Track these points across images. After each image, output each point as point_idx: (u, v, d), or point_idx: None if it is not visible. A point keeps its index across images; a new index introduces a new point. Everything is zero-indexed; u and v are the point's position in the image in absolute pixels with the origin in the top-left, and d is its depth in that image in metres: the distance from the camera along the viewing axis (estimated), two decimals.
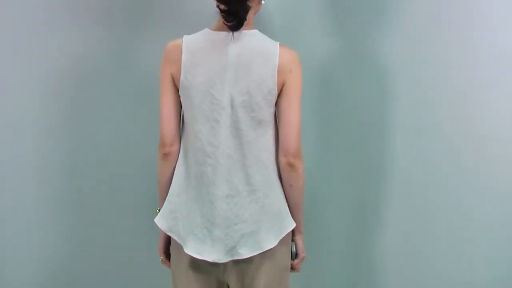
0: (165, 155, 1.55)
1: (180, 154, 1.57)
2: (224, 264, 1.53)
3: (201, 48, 1.50)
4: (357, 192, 2.06)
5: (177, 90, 1.52)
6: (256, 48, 1.49)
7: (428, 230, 1.94)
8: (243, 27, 1.48)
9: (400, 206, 1.98)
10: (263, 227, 1.51)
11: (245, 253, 1.50)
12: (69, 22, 1.98)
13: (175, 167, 1.57)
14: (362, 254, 2.07)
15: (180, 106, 1.54)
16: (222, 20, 1.48)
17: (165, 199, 1.58)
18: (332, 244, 2.10)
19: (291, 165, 1.50)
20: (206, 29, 1.52)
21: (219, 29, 1.51)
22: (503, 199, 1.83)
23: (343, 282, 2.11)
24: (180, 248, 1.54)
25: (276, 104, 1.51)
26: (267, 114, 1.50)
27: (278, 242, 1.52)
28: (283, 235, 1.54)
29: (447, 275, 1.92)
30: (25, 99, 1.99)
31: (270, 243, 1.51)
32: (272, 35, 1.54)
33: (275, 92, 1.48)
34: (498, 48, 1.81)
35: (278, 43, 1.50)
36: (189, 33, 1.52)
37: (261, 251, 1.51)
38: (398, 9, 1.91)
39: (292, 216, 1.56)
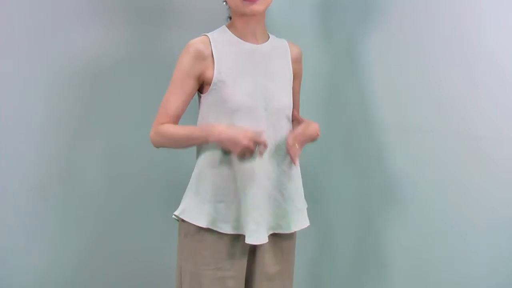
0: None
1: None
2: None
3: None
4: (357, 192, 2.06)
5: None
6: None
7: (428, 230, 1.95)
8: None
9: (399, 206, 1.99)
10: None
11: None
12: (75, 21, 1.99)
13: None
14: (362, 254, 2.07)
15: None
16: None
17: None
18: (332, 244, 2.10)
19: None
20: None
21: None
22: (503, 199, 1.83)
23: (345, 282, 2.11)
24: None
25: None
26: None
27: None
28: None
29: (446, 274, 1.92)
30: (30, 99, 1.99)
31: None
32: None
33: None
34: (496, 47, 1.81)
35: None
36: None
37: None
38: (394, 9, 1.91)
39: None
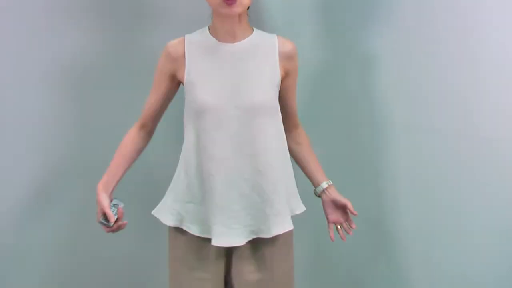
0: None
1: None
2: None
3: None
4: (356, 192, 2.05)
5: None
6: None
7: (428, 230, 1.94)
8: None
9: (399, 206, 1.98)
10: None
11: None
12: (68, 21, 1.98)
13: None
14: (361, 254, 2.07)
15: None
16: None
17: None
18: (330, 243, 2.10)
19: None
20: None
21: None
22: (503, 199, 1.83)
23: (345, 282, 2.11)
24: None
25: None
26: None
27: None
28: None
29: (447, 273, 1.91)
30: (26, 99, 1.99)
31: None
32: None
33: None
34: (498, 46, 1.80)
35: None
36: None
37: None
38: (395, 7, 1.90)
39: None
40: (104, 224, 1.55)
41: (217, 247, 1.54)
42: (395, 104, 1.95)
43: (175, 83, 1.62)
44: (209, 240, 1.54)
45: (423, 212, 1.94)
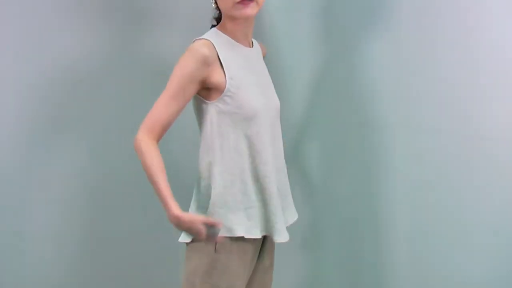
0: None
1: None
2: None
3: None
4: (356, 192, 2.05)
5: None
6: None
7: (428, 230, 1.93)
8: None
9: (399, 206, 1.98)
10: None
11: None
12: (63, 22, 1.98)
13: None
14: (360, 254, 2.06)
15: None
16: None
17: None
18: (330, 244, 2.10)
19: None
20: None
21: None
22: (504, 199, 1.82)
23: (342, 283, 2.10)
24: None
25: None
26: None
27: None
28: None
29: (446, 274, 1.91)
30: (24, 99, 1.99)
31: None
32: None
33: None
34: (498, 46, 1.80)
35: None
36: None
37: None
38: (396, 8, 1.90)
39: None
40: (213, 234, 1.43)
41: (256, 247, 1.60)
42: (395, 104, 1.95)
43: (199, 89, 1.52)
44: (256, 240, 1.58)
45: (423, 212, 1.94)
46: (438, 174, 1.90)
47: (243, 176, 1.54)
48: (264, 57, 1.71)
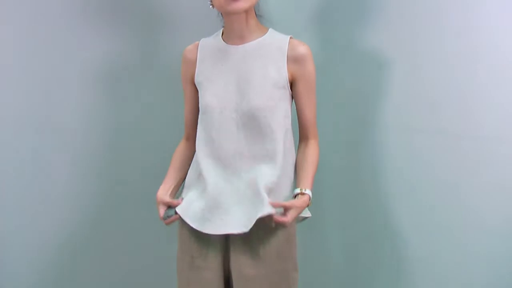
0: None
1: None
2: None
3: None
4: (355, 192, 2.06)
5: None
6: None
7: (428, 230, 1.94)
8: None
9: (399, 206, 1.98)
10: None
11: None
12: (72, 25, 2.01)
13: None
14: (361, 254, 2.07)
15: None
16: None
17: None
18: (329, 243, 2.10)
19: None
20: None
21: None
22: (504, 200, 1.83)
23: (342, 282, 2.10)
24: None
25: None
26: None
27: None
28: None
29: (446, 275, 1.91)
30: (30, 100, 2.00)
31: None
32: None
33: None
34: (499, 46, 1.80)
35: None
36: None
37: None
38: (397, 6, 1.90)
39: None
40: (166, 215, 1.60)
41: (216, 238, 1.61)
42: (395, 104, 1.95)
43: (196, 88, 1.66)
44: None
45: (423, 212, 1.94)
46: (438, 174, 1.90)
47: (195, 165, 1.63)
48: (297, 60, 1.56)
